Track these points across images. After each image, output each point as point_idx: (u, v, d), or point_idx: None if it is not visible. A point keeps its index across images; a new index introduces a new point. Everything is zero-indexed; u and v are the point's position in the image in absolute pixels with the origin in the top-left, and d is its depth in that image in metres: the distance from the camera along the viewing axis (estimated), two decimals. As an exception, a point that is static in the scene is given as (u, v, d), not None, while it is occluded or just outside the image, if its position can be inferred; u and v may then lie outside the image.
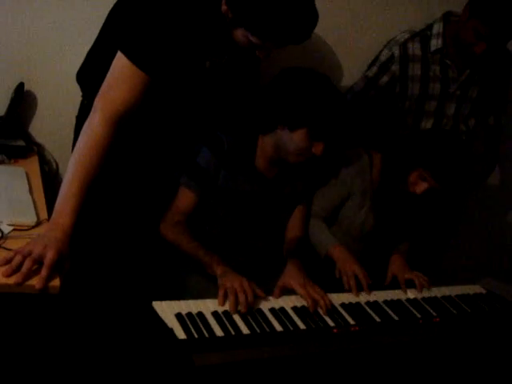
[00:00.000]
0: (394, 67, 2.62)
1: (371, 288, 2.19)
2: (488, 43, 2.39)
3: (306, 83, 2.06)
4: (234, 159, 2.16)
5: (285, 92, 2.06)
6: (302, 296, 2.01)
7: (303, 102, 2.02)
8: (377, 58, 2.68)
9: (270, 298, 1.99)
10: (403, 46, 2.61)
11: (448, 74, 2.63)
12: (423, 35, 2.62)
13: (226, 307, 1.86)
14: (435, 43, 2.58)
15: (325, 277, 2.20)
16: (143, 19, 1.82)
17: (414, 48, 2.61)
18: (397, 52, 2.60)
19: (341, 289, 2.17)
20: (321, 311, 1.97)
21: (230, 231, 2.23)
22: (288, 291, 2.05)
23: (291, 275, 2.08)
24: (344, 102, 2.09)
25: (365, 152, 2.43)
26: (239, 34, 1.84)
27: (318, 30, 2.64)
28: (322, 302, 1.98)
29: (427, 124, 2.69)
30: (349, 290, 2.16)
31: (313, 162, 2.19)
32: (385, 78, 2.64)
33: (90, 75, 2.06)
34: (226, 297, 1.89)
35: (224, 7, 1.81)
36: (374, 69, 2.67)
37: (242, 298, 1.87)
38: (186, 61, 1.91)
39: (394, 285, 2.34)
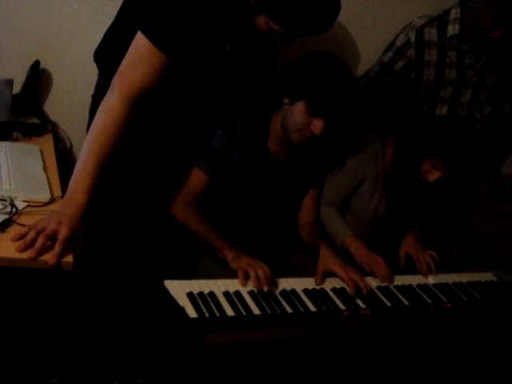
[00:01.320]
0: (410, 52, 2.60)
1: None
2: (505, 29, 2.36)
3: (315, 59, 2.07)
4: (247, 141, 2.16)
5: (294, 66, 2.08)
6: (342, 278, 2.04)
7: (305, 74, 2.03)
8: (392, 43, 2.66)
9: (282, 279, 2.00)
10: (419, 31, 2.58)
11: (464, 60, 2.61)
12: (440, 21, 2.59)
13: (237, 287, 1.88)
14: (452, 29, 2.56)
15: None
16: (164, 0, 1.81)
17: (431, 33, 2.59)
18: (413, 37, 2.58)
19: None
20: (357, 292, 2.02)
21: (241, 212, 2.23)
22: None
23: (329, 257, 2.11)
24: (350, 82, 2.06)
25: (378, 137, 2.42)
26: (261, 20, 1.84)
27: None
28: (361, 284, 2.02)
29: (442, 110, 2.68)
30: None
31: (324, 144, 2.19)
32: (400, 64, 2.63)
33: (108, 54, 2.06)
34: (245, 277, 1.91)
35: None
36: (390, 54, 2.65)
37: (261, 273, 1.89)
38: (206, 43, 1.90)
39: (406, 269, 2.34)
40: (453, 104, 2.67)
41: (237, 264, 1.95)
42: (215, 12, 1.84)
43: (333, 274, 2.09)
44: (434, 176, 2.25)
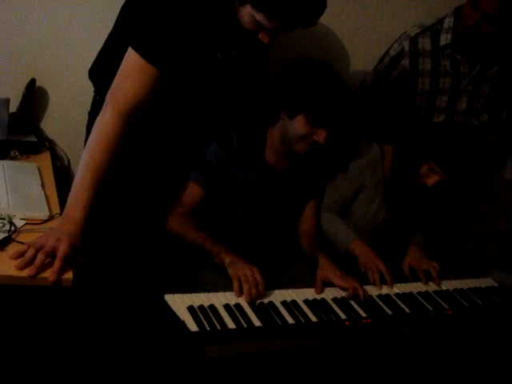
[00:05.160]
0: (404, 62, 2.62)
1: (384, 281, 2.19)
2: (494, 25, 2.38)
3: (305, 69, 2.07)
4: (244, 154, 2.16)
5: (284, 79, 2.08)
6: (341, 287, 2.07)
7: (298, 88, 2.03)
8: (387, 52, 2.68)
9: (282, 290, 2.00)
10: (413, 40, 2.60)
11: (459, 69, 2.62)
12: (434, 30, 2.61)
13: (237, 300, 1.87)
14: (444, 38, 2.57)
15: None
16: (152, 13, 1.83)
17: (424, 43, 2.61)
18: (407, 46, 2.60)
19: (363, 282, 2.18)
20: (353, 302, 2.02)
21: (242, 225, 2.22)
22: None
23: (327, 268, 2.14)
24: (345, 89, 2.06)
25: (376, 145, 2.42)
26: (245, 12, 1.80)
27: (329, 24, 2.67)
28: (360, 291, 2.04)
29: (439, 119, 2.69)
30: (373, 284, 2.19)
31: (322, 153, 2.20)
32: (395, 73, 2.64)
33: (103, 72, 2.07)
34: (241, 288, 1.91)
35: None
36: (384, 63, 2.67)
37: (254, 291, 1.88)
38: (197, 52, 1.91)
39: (407, 277, 2.34)
40: (449, 113, 2.68)
41: (233, 271, 1.94)
42: (203, 19, 1.85)
43: (332, 284, 2.10)
44: (432, 180, 2.26)
